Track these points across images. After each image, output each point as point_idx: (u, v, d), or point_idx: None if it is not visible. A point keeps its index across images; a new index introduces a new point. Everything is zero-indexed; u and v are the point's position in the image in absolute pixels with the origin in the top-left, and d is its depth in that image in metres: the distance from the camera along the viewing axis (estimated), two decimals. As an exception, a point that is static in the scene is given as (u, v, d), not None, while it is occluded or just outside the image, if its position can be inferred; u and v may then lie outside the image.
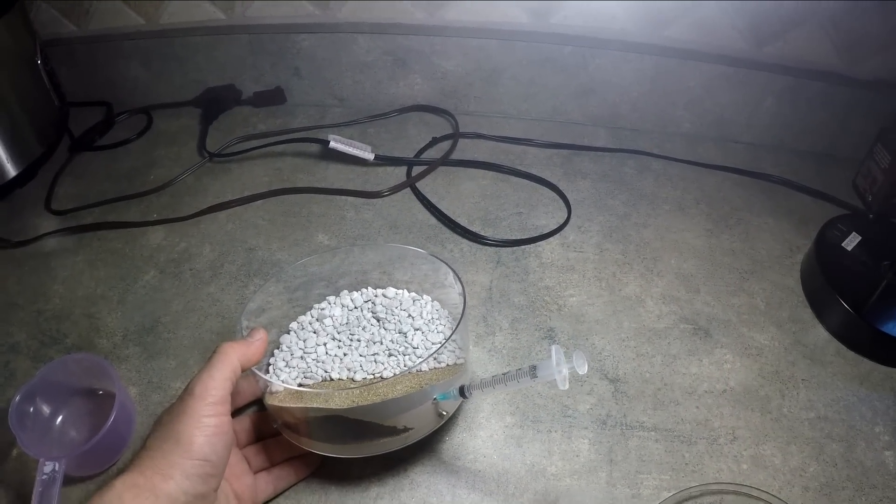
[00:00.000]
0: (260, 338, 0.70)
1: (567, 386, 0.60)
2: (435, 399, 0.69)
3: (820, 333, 0.90)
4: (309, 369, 0.75)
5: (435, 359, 0.70)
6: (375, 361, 0.75)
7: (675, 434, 0.78)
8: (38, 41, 1.20)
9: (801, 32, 1.11)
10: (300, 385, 0.74)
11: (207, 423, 0.61)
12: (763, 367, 0.86)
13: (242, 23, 1.30)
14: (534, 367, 0.62)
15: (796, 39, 1.12)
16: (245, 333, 0.73)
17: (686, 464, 0.75)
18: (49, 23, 1.33)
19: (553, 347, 0.61)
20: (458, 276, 0.77)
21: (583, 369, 0.60)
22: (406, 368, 0.73)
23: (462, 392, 0.67)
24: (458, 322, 0.71)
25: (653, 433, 0.78)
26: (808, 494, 0.72)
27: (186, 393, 0.63)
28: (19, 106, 1.14)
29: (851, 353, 0.88)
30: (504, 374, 0.65)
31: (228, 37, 1.31)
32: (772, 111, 1.19)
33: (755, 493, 0.70)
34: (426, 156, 1.22)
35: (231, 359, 0.66)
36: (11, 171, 1.14)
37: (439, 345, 0.76)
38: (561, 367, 0.60)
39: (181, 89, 1.39)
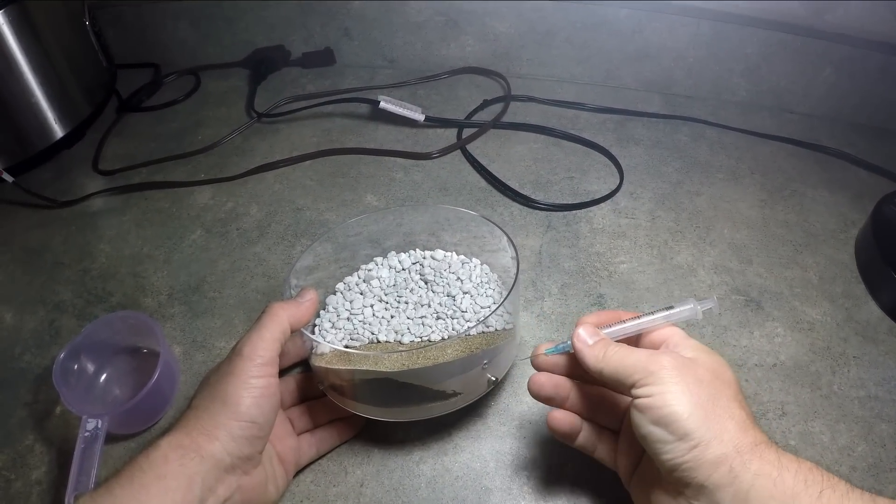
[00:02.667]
0: (310, 298, 0.69)
1: (701, 316, 0.63)
2: (485, 364, 0.69)
3: (873, 310, 0.89)
4: (355, 331, 0.75)
5: (484, 323, 0.70)
6: (423, 324, 0.75)
7: (724, 407, 0.77)
8: (87, 2, 1.20)
9: (861, 1, 1.08)
10: (346, 346, 0.74)
11: (255, 384, 0.61)
12: (814, 342, 0.84)
13: (293, -18, 1.29)
14: (669, 306, 0.63)
15: (857, 9, 1.09)
16: (293, 292, 0.72)
17: (734, 437, 0.74)
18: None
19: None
20: (511, 241, 0.76)
21: (714, 305, 0.64)
22: (454, 332, 0.73)
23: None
24: (512, 286, 0.70)
25: (701, 405, 0.77)
26: (856, 474, 0.71)
27: (234, 353, 0.63)
28: (67, 67, 1.15)
29: (904, 332, 0.86)
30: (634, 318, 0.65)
31: (278, -3, 1.30)
32: (829, 81, 1.17)
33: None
34: (477, 118, 1.22)
35: (280, 319, 0.65)
36: (59, 131, 1.15)
37: (489, 309, 0.76)
38: (697, 308, 0.63)
39: (229, 50, 1.39)
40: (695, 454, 0.51)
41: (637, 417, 0.55)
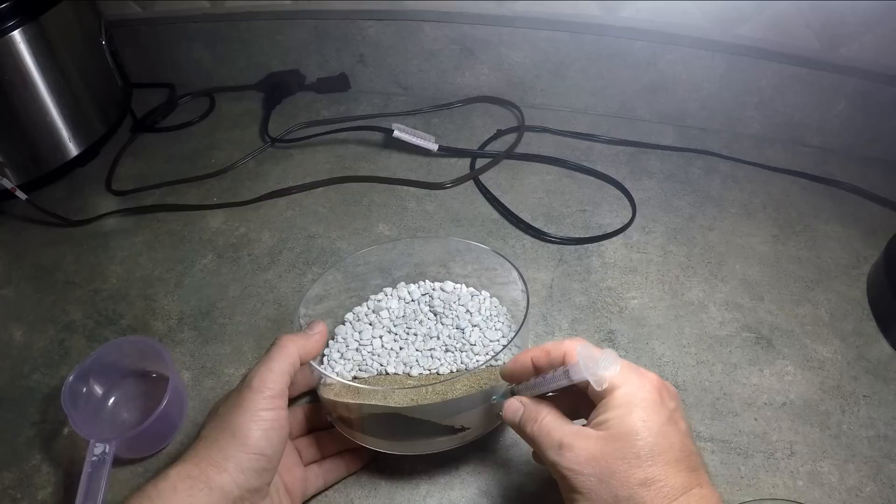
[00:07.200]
0: (319, 331, 0.70)
1: (603, 387, 0.56)
2: (494, 398, 0.68)
3: (884, 348, 0.88)
4: (364, 362, 0.75)
5: (493, 358, 0.70)
6: (432, 357, 0.75)
7: (732, 446, 0.76)
8: (103, 21, 1.21)
9: (877, 35, 1.07)
10: (355, 378, 0.74)
11: (264, 416, 0.61)
12: (824, 380, 0.84)
13: (308, 7, 1.30)
14: (566, 371, 0.58)
15: (872, 42, 1.08)
16: (303, 322, 0.73)
17: (741, 477, 0.73)
18: (114, 4, 1.34)
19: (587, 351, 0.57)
20: (521, 275, 0.76)
21: (608, 371, 0.55)
22: (463, 366, 0.73)
23: (512, 393, 0.66)
24: (522, 323, 0.70)
25: (709, 444, 0.77)
26: (864, 515, 0.70)
27: (244, 385, 0.63)
28: (83, 85, 1.16)
29: (916, 371, 0.85)
30: (544, 376, 0.63)
31: (293, 21, 1.31)
32: (844, 115, 1.16)
33: (809, 511, 0.69)
34: (490, 148, 1.21)
35: (290, 351, 0.65)
36: (73, 150, 1.15)
37: (498, 342, 0.76)
38: (592, 369, 0.55)
39: (244, 73, 1.40)
40: None
41: None
